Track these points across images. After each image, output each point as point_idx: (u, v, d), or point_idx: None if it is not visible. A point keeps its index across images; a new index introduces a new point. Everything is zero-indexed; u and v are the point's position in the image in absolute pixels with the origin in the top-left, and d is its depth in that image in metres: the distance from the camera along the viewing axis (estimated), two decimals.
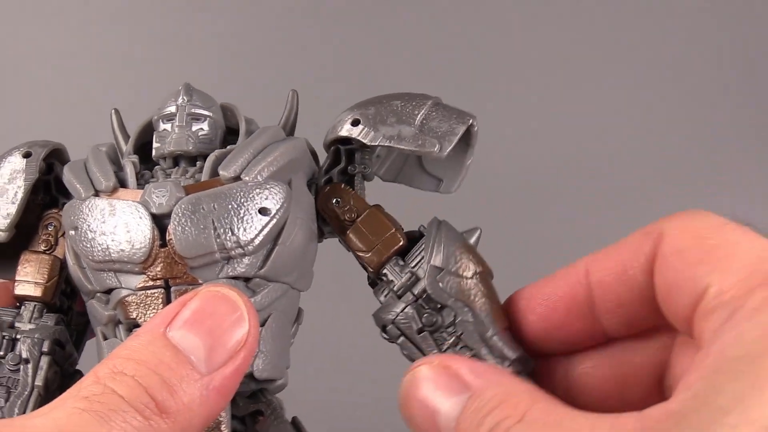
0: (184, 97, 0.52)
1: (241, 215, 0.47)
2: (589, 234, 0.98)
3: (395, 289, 0.51)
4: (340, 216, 0.53)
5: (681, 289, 0.43)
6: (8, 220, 0.52)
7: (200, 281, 0.48)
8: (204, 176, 0.49)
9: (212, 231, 0.47)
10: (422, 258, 0.50)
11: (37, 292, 0.53)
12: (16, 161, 0.54)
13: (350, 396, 0.89)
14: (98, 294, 0.50)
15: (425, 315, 0.50)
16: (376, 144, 0.52)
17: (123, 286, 0.49)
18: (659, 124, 1.15)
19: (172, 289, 0.48)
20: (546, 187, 1.10)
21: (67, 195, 0.54)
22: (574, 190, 1.09)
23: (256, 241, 0.48)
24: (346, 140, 0.54)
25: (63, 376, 0.52)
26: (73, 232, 0.50)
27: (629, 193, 1.10)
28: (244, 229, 0.47)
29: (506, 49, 1.05)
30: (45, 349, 0.51)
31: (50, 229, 0.54)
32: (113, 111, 0.56)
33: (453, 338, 0.49)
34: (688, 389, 0.38)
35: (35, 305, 0.53)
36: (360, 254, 0.52)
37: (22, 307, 0.53)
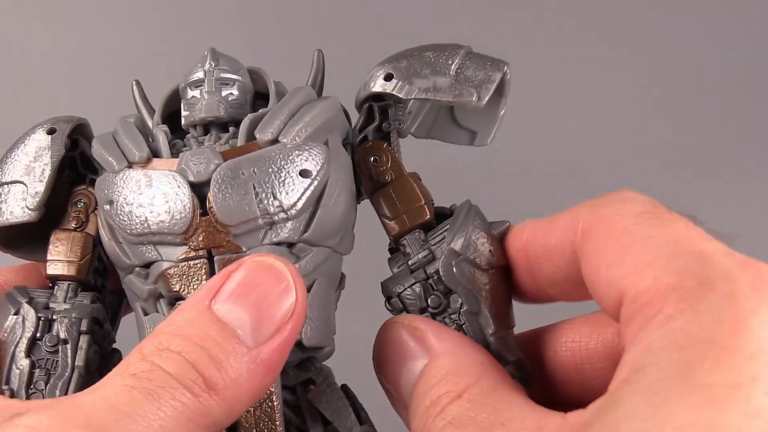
0: (211, 63, 0.51)
1: (282, 178, 0.46)
2: None
3: (410, 263, 0.49)
4: (373, 175, 0.51)
5: (603, 292, 0.41)
6: (37, 199, 0.51)
7: (244, 249, 0.46)
8: (240, 141, 0.48)
9: (254, 196, 0.45)
10: (443, 238, 0.49)
11: (70, 270, 0.52)
12: (41, 138, 0.52)
13: None
14: (137, 268, 0.49)
15: (432, 296, 0.48)
16: (412, 97, 0.50)
17: (164, 258, 0.47)
18: (660, 123, 1.14)
19: (216, 258, 0.46)
20: (547, 184, 1.10)
21: (95, 171, 0.53)
22: (576, 188, 1.09)
23: (299, 204, 0.46)
24: (379, 96, 0.52)
25: (102, 355, 0.51)
26: (108, 207, 0.48)
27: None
28: (287, 193, 0.46)
29: (508, 48, 1.05)
30: (83, 328, 0.50)
31: (80, 206, 0.53)
32: (134, 82, 0.54)
33: (455, 325, 0.48)
34: (602, 397, 0.37)
35: (69, 284, 0.52)
36: (383, 219, 0.51)
37: (56, 287, 0.52)
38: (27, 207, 0.51)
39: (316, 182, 0.47)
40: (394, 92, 0.51)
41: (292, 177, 0.46)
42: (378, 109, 0.52)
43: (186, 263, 0.47)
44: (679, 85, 1.14)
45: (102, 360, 0.51)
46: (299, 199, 0.46)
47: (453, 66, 0.51)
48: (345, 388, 0.51)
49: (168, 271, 0.47)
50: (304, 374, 0.49)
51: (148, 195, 0.46)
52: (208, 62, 0.51)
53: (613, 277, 0.40)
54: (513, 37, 1.11)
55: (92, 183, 0.53)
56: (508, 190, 1.05)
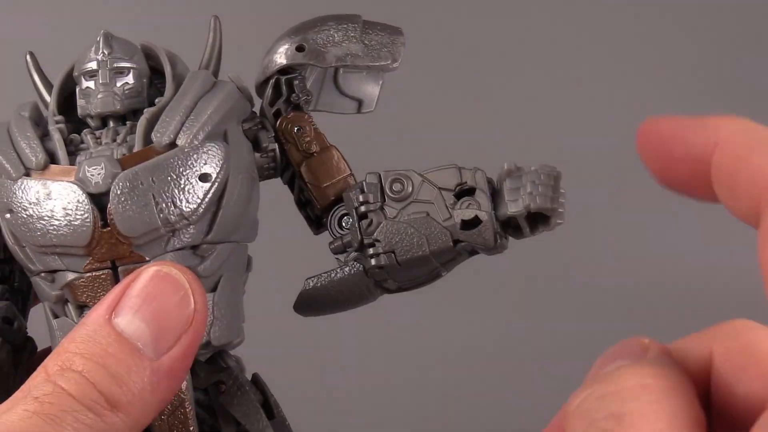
0: (105, 51, 0.49)
1: (182, 185, 0.46)
2: (590, 232, 0.99)
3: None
4: (300, 146, 0.52)
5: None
6: None
7: (147, 258, 0.46)
8: (137, 144, 0.47)
9: (154, 207, 0.45)
10: None
11: None
12: None
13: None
14: (42, 273, 0.48)
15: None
16: (330, 65, 0.52)
17: (68, 268, 0.47)
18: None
19: (120, 269, 0.46)
20: None
21: None
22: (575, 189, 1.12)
23: (200, 210, 0.47)
24: (284, 70, 0.53)
25: (14, 350, 0.50)
26: (8, 215, 0.47)
27: (630, 192, 1.09)
28: (187, 200, 0.46)
29: (508, 48, 1.03)
30: None
31: None
32: (28, 54, 0.52)
33: None
34: None
35: None
36: (312, 188, 0.52)
37: None
38: None
39: (216, 184, 0.47)
40: (310, 62, 0.51)
41: (191, 183, 0.46)
42: (285, 82, 0.53)
43: (91, 274, 0.46)
44: (678, 84, 1.18)
45: (15, 354, 0.50)
46: (200, 204, 0.46)
47: (359, 33, 0.52)
48: (256, 378, 0.52)
49: (74, 282, 0.47)
50: (214, 376, 0.50)
51: (48, 207, 0.46)
52: (101, 51, 0.49)
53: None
54: (514, 35, 1.11)
55: None
56: None
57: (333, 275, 0.51)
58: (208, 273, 0.47)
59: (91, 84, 0.49)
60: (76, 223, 0.45)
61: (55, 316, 0.48)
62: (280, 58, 0.51)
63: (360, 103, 0.57)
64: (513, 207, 0.48)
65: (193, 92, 0.48)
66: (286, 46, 0.51)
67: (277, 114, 0.52)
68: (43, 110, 0.51)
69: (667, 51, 1.18)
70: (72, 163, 0.46)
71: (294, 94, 0.52)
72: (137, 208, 0.45)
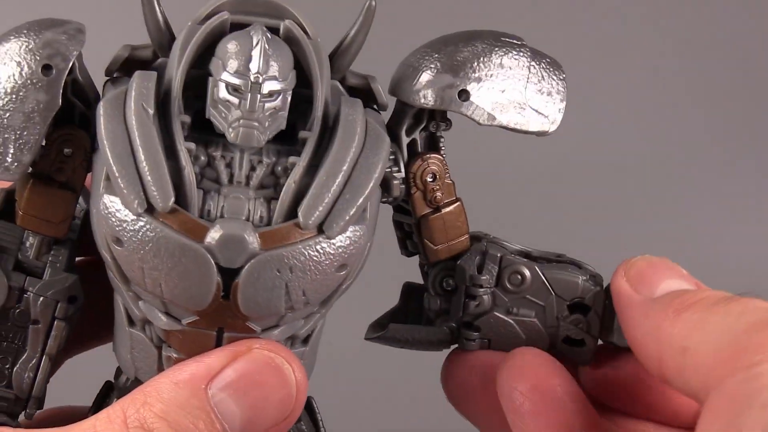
0: (259, 70, 0.40)
1: (318, 277, 0.42)
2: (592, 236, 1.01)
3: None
4: (428, 197, 0.49)
5: None
6: (20, 165, 0.43)
7: (256, 330, 0.43)
8: (278, 215, 0.41)
9: (283, 294, 0.41)
10: None
11: (48, 230, 0.46)
12: (33, 74, 0.42)
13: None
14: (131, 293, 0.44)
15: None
16: (495, 125, 0.47)
17: (170, 312, 0.43)
18: (660, 123, 1.13)
19: (226, 335, 0.43)
20: (548, 187, 1.10)
21: (86, 101, 0.45)
22: (576, 190, 1.11)
23: (327, 298, 0.43)
24: None
25: (70, 325, 0.48)
26: (117, 247, 0.41)
27: (630, 194, 1.12)
28: (317, 291, 0.42)
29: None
30: (59, 314, 0.46)
31: (66, 153, 0.45)
32: None
33: None
34: None
35: (43, 238, 0.46)
36: (427, 243, 0.49)
37: (26, 233, 0.46)
38: (5, 166, 0.43)
39: (349, 271, 0.43)
40: (474, 117, 0.46)
41: (328, 274, 0.42)
42: (427, 112, 0.48)
43: (194, 330, 0.43)
44: (678, 85, 1.15)
45: (69, 326, 0.48)
46: (329, 294, 0.43)
47: (524, 82, 0.47)
48: (309, 404, 0.51)
49: (171, 330, 0.43)
50: None
51: (167, 262, 0.40)
52: (255, 67, 0.40)
53: None
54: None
55: (81, 121, 0.45)
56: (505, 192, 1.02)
57: (420, 333, 0.50)
58: (306, 332, 0.45)
59: (233, 99, 0.40)
60: (194, 289, 0.40)
61: (130, 321, 0.45)
62: (435, 97, 0.45)
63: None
64: (621, 340, 0.47)
65: (351, 157, 0.42)
66: (444, 84, 0.45)
67: (411, 146, 0.48)
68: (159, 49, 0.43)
69: (667, 51, 1.17)
70: (202, 207, 0.40)
71: (433, 122, 0.48)
72: (265, 293, 0.41)
